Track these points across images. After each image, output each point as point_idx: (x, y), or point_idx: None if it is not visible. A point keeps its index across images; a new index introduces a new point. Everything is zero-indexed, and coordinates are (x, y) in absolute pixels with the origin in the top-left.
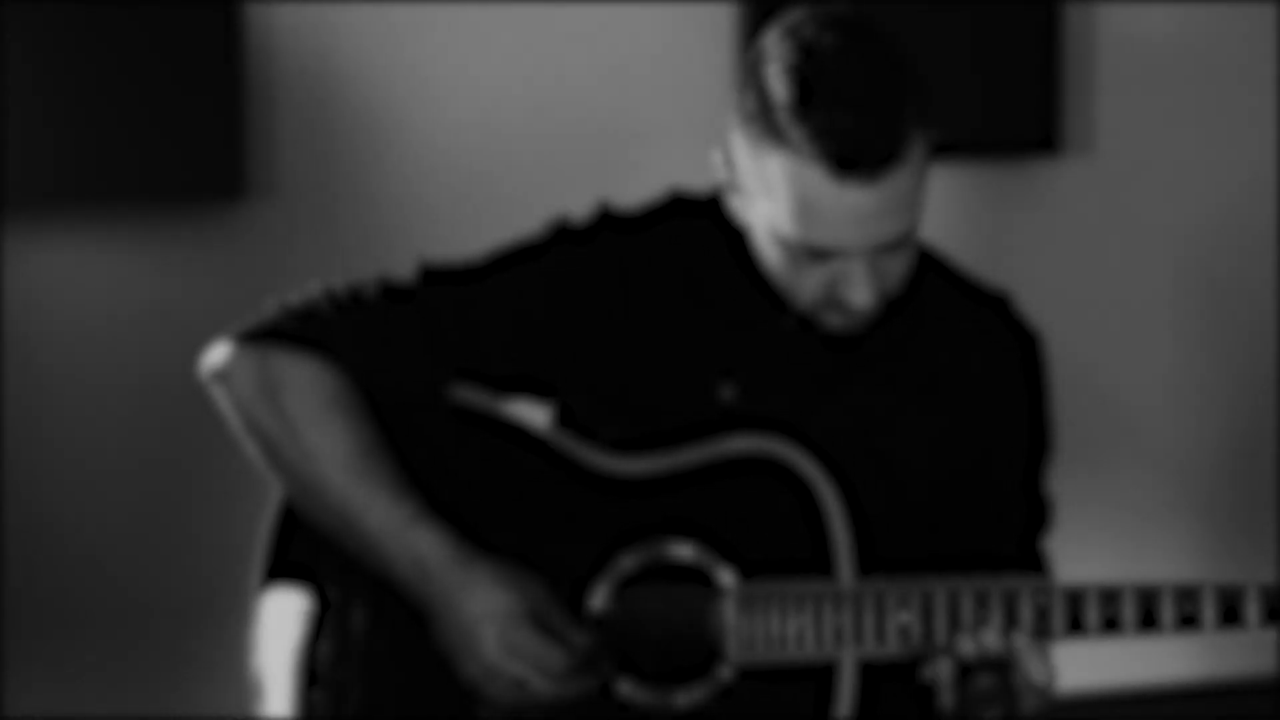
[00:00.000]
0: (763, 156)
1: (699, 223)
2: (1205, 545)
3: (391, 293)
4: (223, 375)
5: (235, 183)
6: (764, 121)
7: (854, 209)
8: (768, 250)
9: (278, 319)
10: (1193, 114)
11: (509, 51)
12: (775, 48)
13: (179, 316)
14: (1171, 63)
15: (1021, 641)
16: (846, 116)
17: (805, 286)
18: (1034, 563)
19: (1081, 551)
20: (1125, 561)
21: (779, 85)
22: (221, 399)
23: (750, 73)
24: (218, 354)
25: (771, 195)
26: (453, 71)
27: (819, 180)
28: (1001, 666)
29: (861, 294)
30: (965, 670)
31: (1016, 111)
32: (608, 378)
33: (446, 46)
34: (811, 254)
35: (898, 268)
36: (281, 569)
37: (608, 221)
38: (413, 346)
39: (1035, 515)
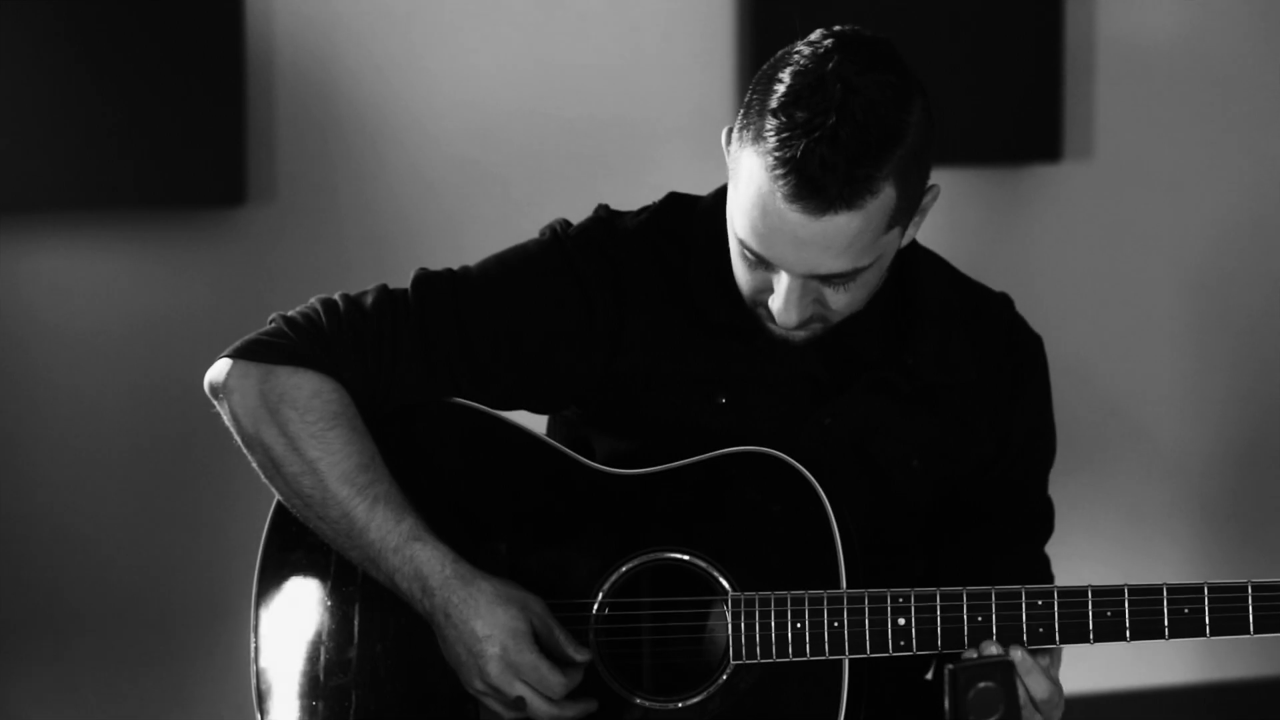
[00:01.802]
0: (742, 147)
1: (696, 226)
2: (1207, 547)
3: (389, 304)
4: (225, 391)
5: (236, 189)
6: (754, 115)
7: (793, 232)
8: (730, 236)
9: (277, 333)
10: (1191, 118)
11: (508, 53)
12: (797, 50)
13: (179, 322)
14: (1170, 67)
15: (1017, 656)
16: (815, 145)
17: (747, 283)
18: (1035, 566)
19: (1083, 553)
20: (1127, 563)
21: (780, 88)
22: (224, 414)
23: (769, 65)
24: (219, 369)
25: (736, 187)
26: (452, 74)
27: (772, 192)
28: (1003, 670)
29: (785, 313)
30: (967, 675)
31: (1017, 117)
32: (602, 388)
33: (446, 51)
34: (749, 257)
35: (840, 299)
36: (280, 575)
37: (605, 225)
38: (411, 359)
39: (1037, 519)
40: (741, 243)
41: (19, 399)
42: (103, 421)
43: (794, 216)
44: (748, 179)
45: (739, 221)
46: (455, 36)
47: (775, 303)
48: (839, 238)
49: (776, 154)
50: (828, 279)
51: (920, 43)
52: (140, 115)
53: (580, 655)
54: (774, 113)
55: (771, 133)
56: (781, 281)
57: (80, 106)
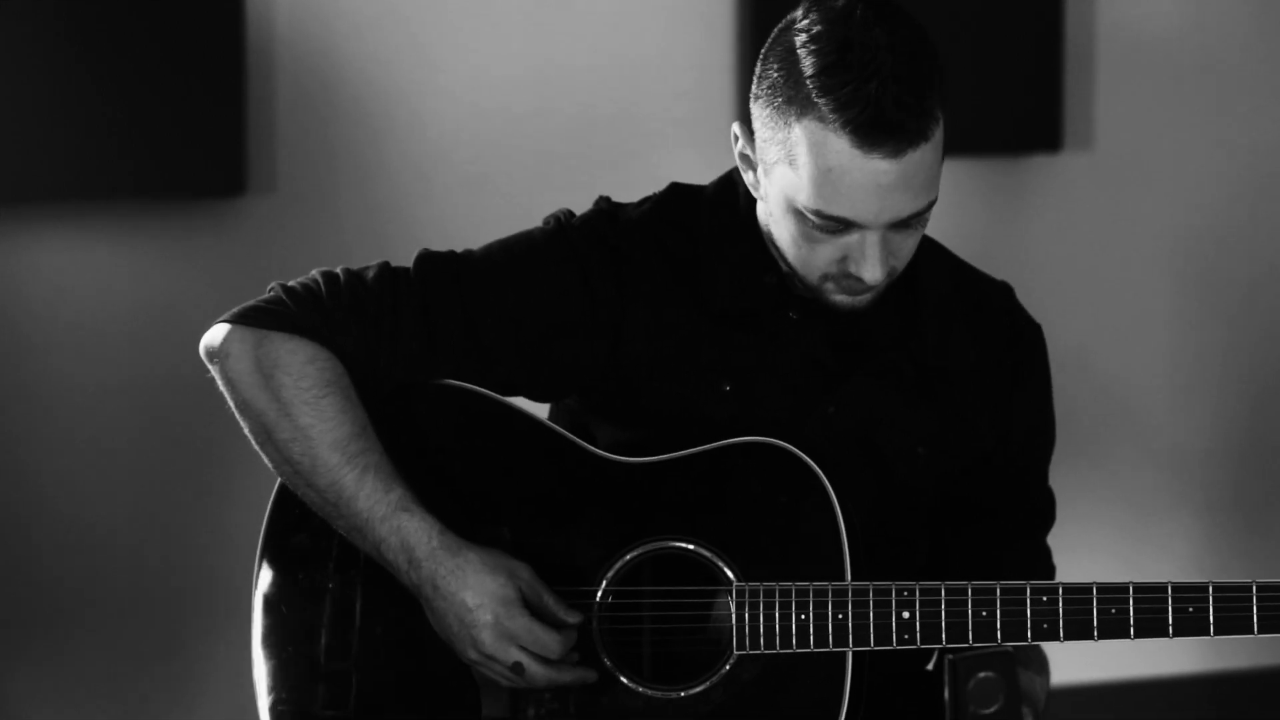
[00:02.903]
0: (786, 125)
1: (702, 215)
2: (1206, 539)
3: (390, 279)
4: (220, 354)
5: (235, 180)
6: (790, 90)
7: (875, 181)
8: (781, 223)
9: (276, 301)
10: (1191, 109)
11: (508, 46)
12: (804, 19)
13: (179, 313)
14: (1170, 57)
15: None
16: (883, 89)
17: (818, 259)
18: (1036, 557)
19: (1084, 543)
20: (1128, 553)
21: (808, 54)
22: (218, 377)
23: (775, 43)
24: (215, 334)
25: (794, 164)
26: (452, 66)
27: (843, 149)
28: (1004, 660)
29: (872, 269)
30: (967, 665)
31: (1017, 107)
32: (604, 376)
33: (446, 42)
34: (828, 225)
35: (909, 245)
36: (282, 557)
37: (607, 216)
38: (411, 336)
39: (1037, 509)
40: (815, 214)
41: (18, 391)
42: (102, 413)
43: (875, 164)
44: (809, 149)
45: (807, 195)
46: (456, 28)
47: (860, 263)
48: (918, 173)
49: (842, 111)
50: (904, 224)
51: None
52: (139, 106)
53: (571, 617)
54: (816, 77)
55: (823, 93)
56: (863, 240)
57: (79, 97)
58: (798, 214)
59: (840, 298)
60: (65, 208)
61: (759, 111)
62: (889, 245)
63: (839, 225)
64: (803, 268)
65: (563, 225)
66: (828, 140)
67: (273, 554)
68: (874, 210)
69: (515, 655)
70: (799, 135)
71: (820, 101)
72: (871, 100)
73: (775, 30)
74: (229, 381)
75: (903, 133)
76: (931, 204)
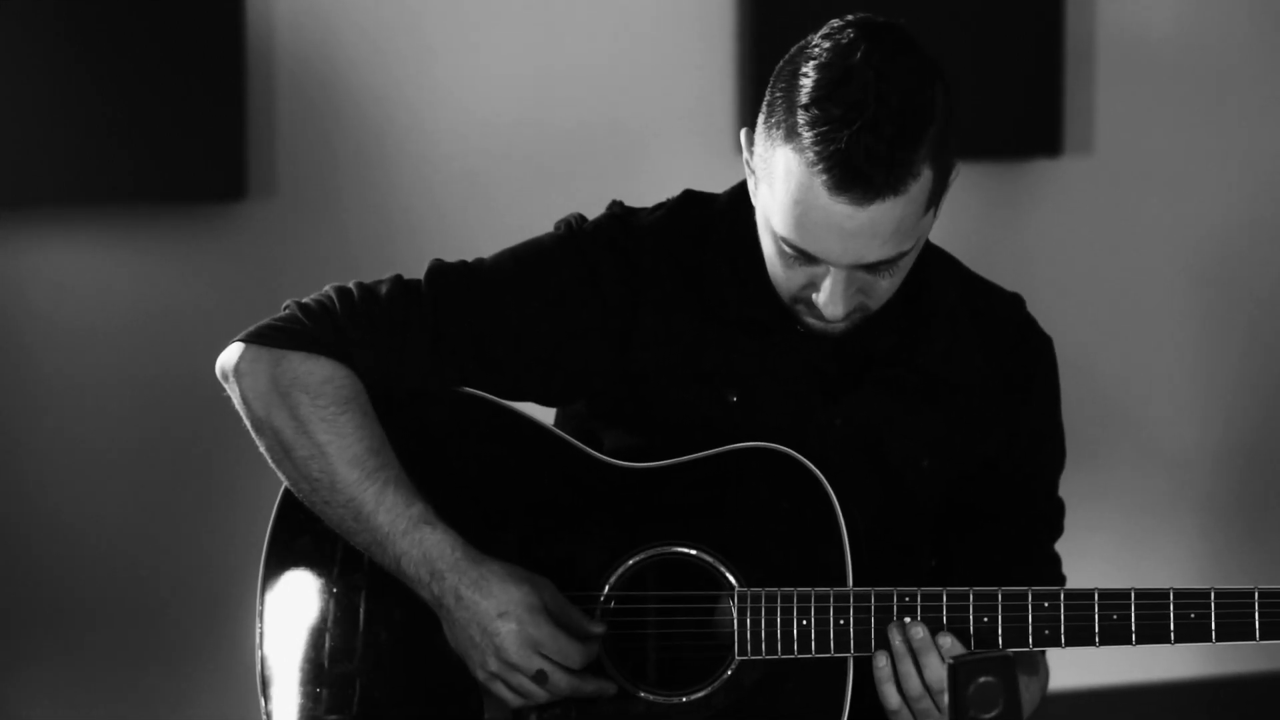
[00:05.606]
0: (773, 146)
1: (712, 224)
2: (1208, 544)
3: (402, 293)
4: (236, 374)
5: (236, 184)
6: (781, 114)
7: (839, 224)
8: (763, 238)
9: (291, 319)
10: (1191, 113)
11: (510, 49)
12: (815, 45)
13: (180, 318)
14: (1171, 61)
15: (918, 634)
16: (858, 136)
17: (789, 282)
18: (1045, 566)
19: (1087, 549)
20: (1131, 559)
21: (807, 83)
22: (234, 396)
23: (787, 62)
24: (231, 353)
25: (772, 187)
26: (455, 67)
27: (814, 187)
28: (1004, 665)
29: (832, 305)
30: (967, 669)
31: (1018, 112)
32: (613, 382)
33: (448, 46)
34: (796, 254)
35: (883, 285)
36: (286, 561)
37: (620, 221)
38: (422, 349)
39: (1043, 519)
40: (784, 240)
41: (20, 395)
42: (104, 417)
43: (840, 209)
44: (784, 177)
45: (778, 220)
46: (458, 32)
47: (821, 297)
48: (885, 225)
49: (816, 148)
50: (873, 267)
51: (921, 38)
52: (140, 110)
53: (596, 628)
54: (806, 108)
55: (807, 127)
56: (827, 275)
57: (80, 101)
58: (773, 235)
59: (811, 321)
60: (65, 211)
61: (760, 125)
62: (858, 284)
63: (805, 256)
64: (777, 286)
65: (574, 231)
66: (801, 174)
67: (277, 557)
68: (836, 251)
69: (538, 663)
70: (779, 160)
71: (803, 134)
72: (845, 146)
73: (794, 48)
74: (245, 400)
75: (869, 184)
76: (904, 253)
